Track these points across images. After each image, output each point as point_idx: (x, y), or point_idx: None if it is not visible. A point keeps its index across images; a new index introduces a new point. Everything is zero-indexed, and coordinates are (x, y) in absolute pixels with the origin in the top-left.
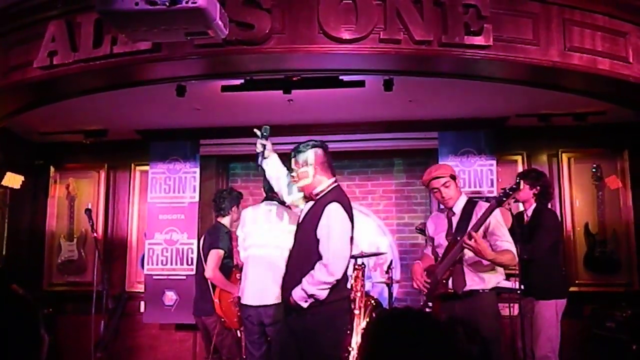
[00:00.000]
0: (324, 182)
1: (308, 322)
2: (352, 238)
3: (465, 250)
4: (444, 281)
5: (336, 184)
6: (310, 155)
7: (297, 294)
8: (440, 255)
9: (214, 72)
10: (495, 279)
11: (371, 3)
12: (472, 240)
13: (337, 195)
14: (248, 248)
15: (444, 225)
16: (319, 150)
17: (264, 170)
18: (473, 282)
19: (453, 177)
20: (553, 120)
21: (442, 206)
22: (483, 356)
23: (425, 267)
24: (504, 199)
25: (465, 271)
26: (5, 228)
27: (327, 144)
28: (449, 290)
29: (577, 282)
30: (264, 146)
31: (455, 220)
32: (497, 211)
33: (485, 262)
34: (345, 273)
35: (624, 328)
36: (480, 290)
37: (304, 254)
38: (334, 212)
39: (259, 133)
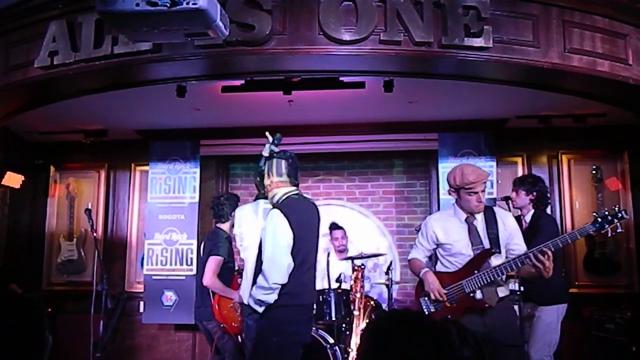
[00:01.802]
0: (281, 191)
1: (259, 324)
2: (302, 245)
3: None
4: (471, 295)
5: (293, 192)
6: (271, 165)
7: (251, 300)
8: (460, 265)
9: (214, 73)
10: (507, 288)
11: (371, 4)
12: (546, 256)
13: (288, 204)
14: (247, 248)
15: (462, 231)
16: (282, 162)
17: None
18: (501, 293)
19: None
20: (553, 122)
21: (449, 210)
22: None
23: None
24: (605, 226)
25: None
26: (5, 227)
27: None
28: (484, 306)
29: (576, 283)
30: (271, 152)
31: (480, 227)
32: (513, 219)
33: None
34: (298, 280)
35: (624, 330)
36: (504, 298)
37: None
38: (269, 217)
39: (270, 139)
